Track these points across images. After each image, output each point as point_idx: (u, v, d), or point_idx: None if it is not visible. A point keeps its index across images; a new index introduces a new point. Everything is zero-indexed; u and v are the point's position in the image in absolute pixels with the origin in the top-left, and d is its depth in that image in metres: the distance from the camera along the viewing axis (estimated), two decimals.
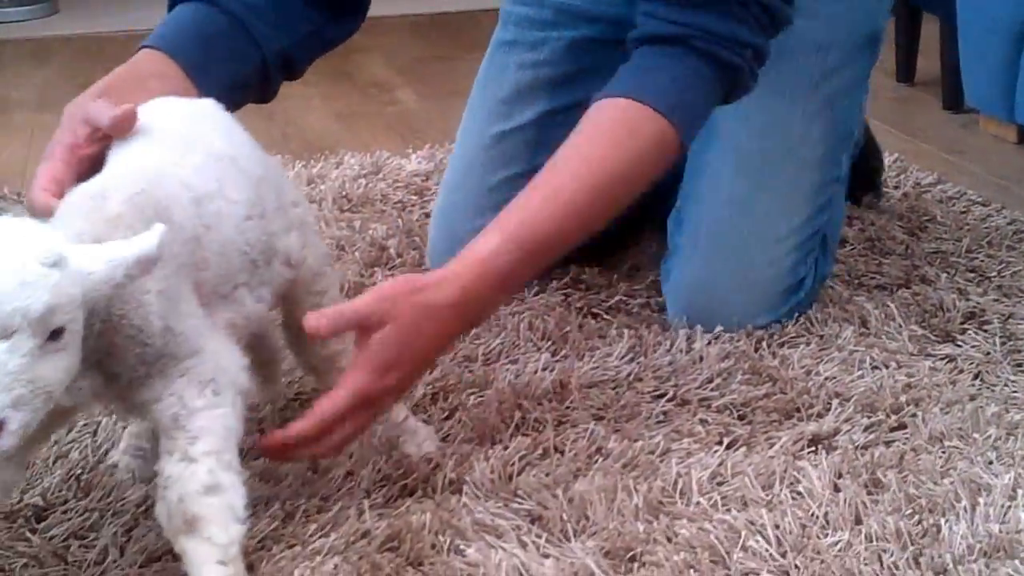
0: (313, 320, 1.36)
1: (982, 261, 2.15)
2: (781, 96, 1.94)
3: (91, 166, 1.34)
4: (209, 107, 1.45)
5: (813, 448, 1.60)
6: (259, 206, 1.38)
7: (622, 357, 1.84)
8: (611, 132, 1.58)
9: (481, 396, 1.73)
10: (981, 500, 1.46)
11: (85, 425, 1.65)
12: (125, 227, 1.19)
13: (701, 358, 1.84)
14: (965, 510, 1.44)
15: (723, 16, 1.59)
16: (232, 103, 1.50)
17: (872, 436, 1.62)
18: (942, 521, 1.43)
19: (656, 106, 1.56)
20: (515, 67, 2.12)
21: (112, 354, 1.22)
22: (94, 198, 1.22)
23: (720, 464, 1.56)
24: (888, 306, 1.97)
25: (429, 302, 1.42)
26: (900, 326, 1.91)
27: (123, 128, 1.34)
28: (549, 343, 1.89)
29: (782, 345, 1.88)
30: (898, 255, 2.18)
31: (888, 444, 1.61)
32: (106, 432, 1.63)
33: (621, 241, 2.20)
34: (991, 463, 1.55)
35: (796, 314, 1.96)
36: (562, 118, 1.85)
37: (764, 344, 1.87)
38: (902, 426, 1.65)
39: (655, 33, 1.61)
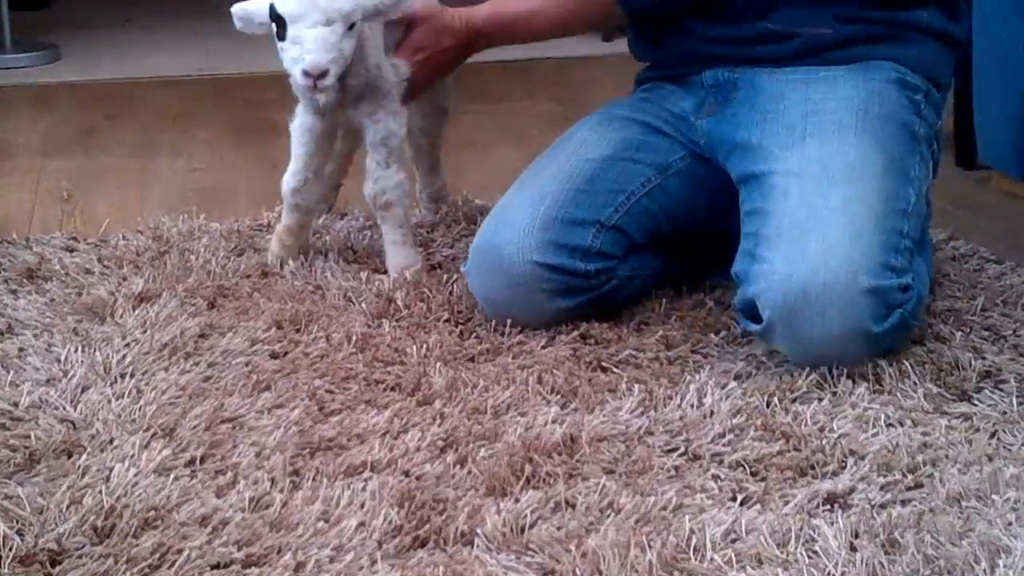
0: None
1: (997, 320, 2.15)
2: (831, 138, 2.07)
3: None
4: None
5: (829, 506, 1.60)
6: None
7: (632, 411, 1.85)
8: None
9: (492, 448, 1.73)
10: (1001, 562, 1.46)
11: (98, 471, 1.66)
12: None
13: (712, 412, 1.84)
14: (985, 572, 1.44)
15: None
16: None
17: (888, 495, 1.62)
18: None
19: None
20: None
21: (351, 72, 2.21)
22: None
23: (734, 521, 1.56)
24: (902, 363, 1.97)
25: (446, 22, 2.34)
26: (915, 384, 1.91)
27: None
28: (558, 396, 1.90)
29: (794, 401, 1.88)
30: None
31: (905, 504, 1.60)
32: (118, 478, 1.64)
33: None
34: (1010, 524, 1.54)
35: (905, 311, 1.95)
36: None
37: (776, 399, 1.87)
38: (919, 485, 1.65)
39: None
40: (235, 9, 2.19)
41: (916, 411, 1.84)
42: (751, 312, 1.98)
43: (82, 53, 4.84)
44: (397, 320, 2.17)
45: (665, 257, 2.27)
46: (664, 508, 1.59)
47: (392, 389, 1.92)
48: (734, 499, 1.62)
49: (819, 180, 2.01)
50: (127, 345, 2.05)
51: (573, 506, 1.60)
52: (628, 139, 2.26)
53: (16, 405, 1.84)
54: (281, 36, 2.13)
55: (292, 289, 2.29)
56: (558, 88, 4.25)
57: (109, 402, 1.85)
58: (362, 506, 1.57)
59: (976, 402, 1.87)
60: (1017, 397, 1.87)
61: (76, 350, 2.02)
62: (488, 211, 2.70)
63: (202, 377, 1.94)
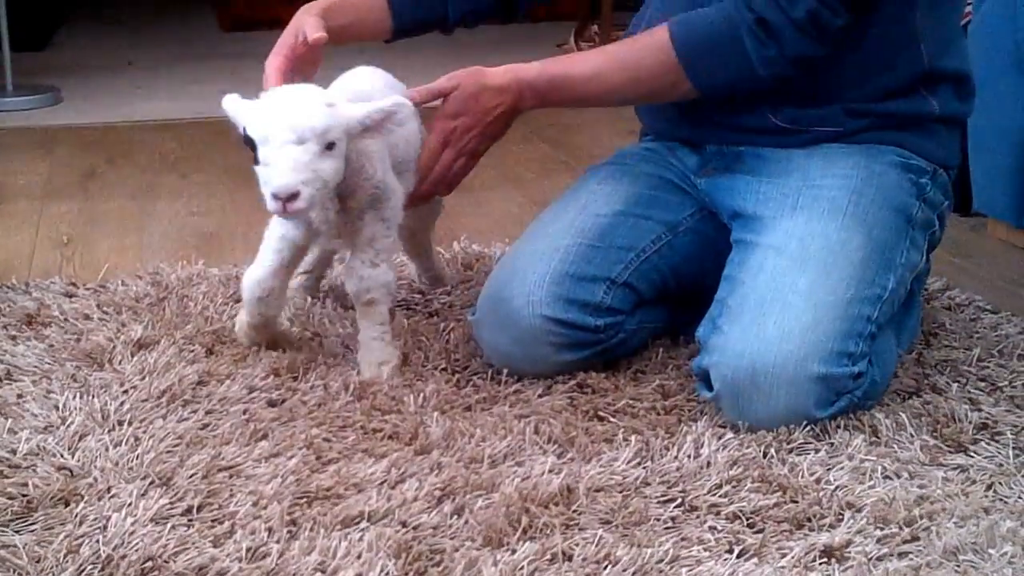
0: (411, 93, 2.14)
1: (993, 371, 2.15)
2: (820, 217, 2.07)
3: (303, 62, 2.18)
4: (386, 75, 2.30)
5: (825, 560, 1.60)
6: (419, 131, 2.22)
7: (629, 461, 1.84)
8: (630, 43, 2.20)
9: (489, 498, 1.72)
10: None
11: (95, 520, 1.66)
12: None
13: (709, 463, 1.84)
14: None
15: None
16: (408, 36, 2.36)
17: (885, 549, 1.62)
18: None
19: (673, 42, 2.09)
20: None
21: (353, 194, 2.06)
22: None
23: (731, 574, 1.55)
24: (899, 415, 1.97)
25: (485, 81, 2.15)
26: (912, 435, 1.91)
27: (317, 44, 2.15)
28: (555, 446, 1.89)
29: (791, 452, 1.87)
30: (907, 364, 2.18)
31: (902, 557, 1.60)
32: (115, 527, 1.63)
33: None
34: None
35: (853, 396, 1.96)
36: None
37: (773, 450, 1.87)
38: (915, 539, 1.64)
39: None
40: (226, 105, 2.02)
41: (913, 463, 1.84)
42: (707, 378, 2.00)
43: (83, 96, 4.86)
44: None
45: (671, 309, 2.27)
46: (661, 560, 1.59)
47: (390, 438, 1.91)
48: (731, 551, 1.62)
49: (794, 259, 2.02)
50: (125, 392, 2.04)
51: (570, 558, 1.59)
52: (640, 194, 2.26)
53: (14, 452, 1.84)
54: (255, 159, 1.92)
55: (290, 336, 2.29)
56: (553, 131, 4.25)
57: (107, 450, 1.85)
58: (359, 557, 1.57)
59: (972, 454, 1.86)
60: (1014, 449, 1.87)
61: (74, 397, 2.02)
62: (485, 257, 2.73)
63: (200, 425, 1.94)
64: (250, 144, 1.91)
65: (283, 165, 1.87)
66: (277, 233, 2.14)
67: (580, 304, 2.12)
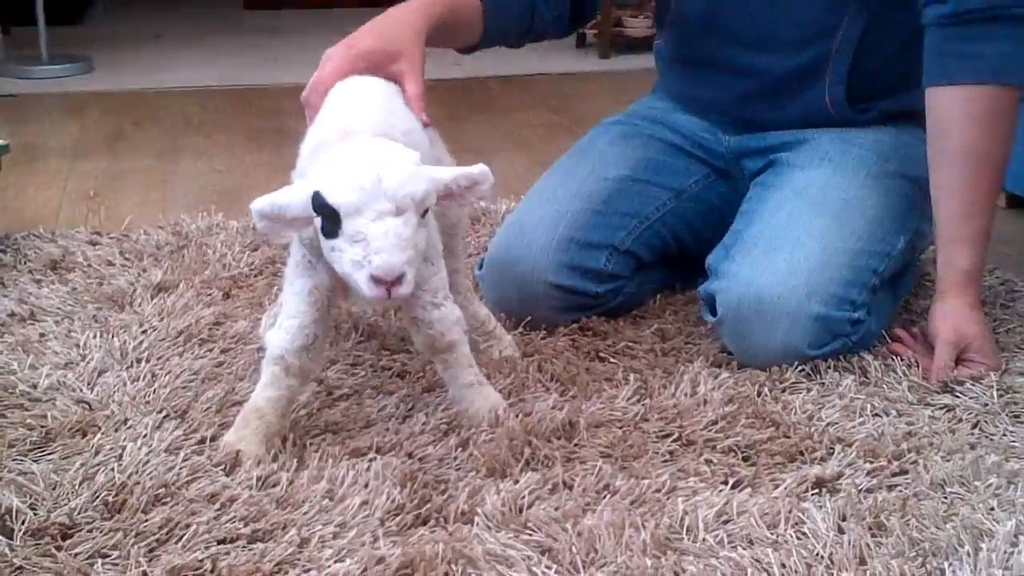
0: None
1: None
2: (845, 171, 2.04)
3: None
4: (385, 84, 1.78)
5: (817, 491, 1.54)
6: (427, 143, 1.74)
7: (628, 399, 1.79)
8: (987, 121, 1.87)
9: (492, 432, 1.66)
10: (984, 545, 1.40)
11: (111, 450, 1.60)
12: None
13: (705, 401, 1.78)
14: (968, 555, 1.39)
15: None
16: (488, 46, 2.06)
17: (874, 481, 1.56)
18: (945, 565, 1.37)
19: (1008, 81, 1.86)
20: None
21: None
22: (348, 135, 1.58)
23: (726, 503, 1.50)
24: (888, 358, 1.91)
25: (975, 318, 1.90)
26: (900, 376, 1.86)
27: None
28: (557, 384, 1.84)
29: (784, 391, 1.82)
30: (896, 310, 2.13)
31: (890, 489, 1.55)
32: (131, 456, 1.58)
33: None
34: (992, 510, 1.49)
35: (848, 340, 1.91)
36: None
37: (766, 389, 1.82)
38: (904, 472, 1.59)
39: (972, 8, 1.84)
40: (259, 206, 1.50)
41: (901, 402, 1.79)
42: (712, 304, 1.95)
43: (113, 65, 4.79)
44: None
45: (669, 270, 2.22)
46: (658, 490, 1.53)
47: (399, 376, 1.86)
48: (726, 483, 1.56)
49: (813, 204, 1.98)
50: (144, 332, 1.99)
51: (570, 487, 1.54)
52: (648, 159, 2.20)
53: (35, 387, 1.79)
54: (331, 232, 1.48)
55: None
56: (557, 100, 4.21)
57: (124, 385, 1.80)
58: (366, 486, 1.52)
59: (959, 395, 1.81)
60: (998, 390, 1.81)
61: (95, 336, 1.97)
62: (491, 212, 2.67)
63: (215, 362, 1.89)
64: (321, 211, 1.49)
65: (385, 241, 1.46)
66: (306, 286, 1.64)
67: (583, 271, 2.06)
